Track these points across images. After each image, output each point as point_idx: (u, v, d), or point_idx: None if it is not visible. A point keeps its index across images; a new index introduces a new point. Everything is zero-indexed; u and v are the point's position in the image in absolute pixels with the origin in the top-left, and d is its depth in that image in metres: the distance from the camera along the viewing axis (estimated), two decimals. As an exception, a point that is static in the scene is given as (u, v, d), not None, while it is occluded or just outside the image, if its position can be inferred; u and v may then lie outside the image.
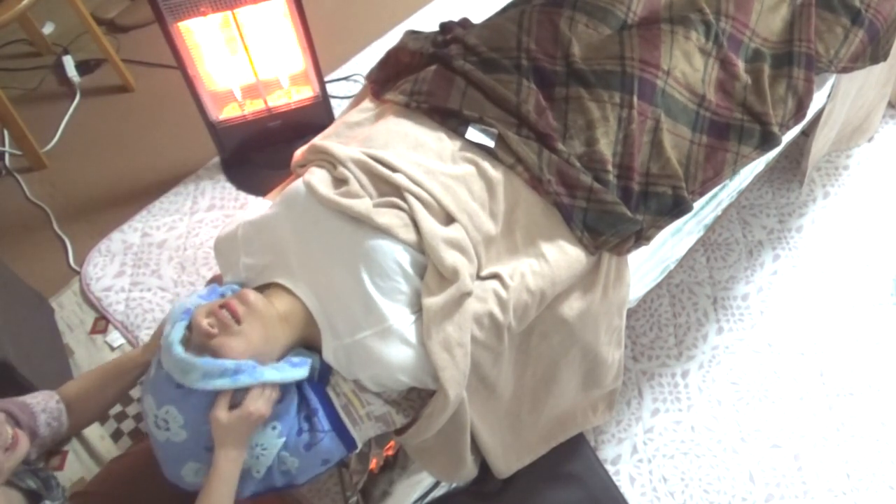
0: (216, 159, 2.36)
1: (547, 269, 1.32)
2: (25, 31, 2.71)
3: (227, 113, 2.17)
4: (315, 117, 2.18)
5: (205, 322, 1.12)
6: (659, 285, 1.83)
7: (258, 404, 1.12)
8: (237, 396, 1.12)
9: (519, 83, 1.49)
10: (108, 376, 1.28)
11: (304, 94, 2.18)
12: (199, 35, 1.97)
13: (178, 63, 1.99)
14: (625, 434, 1.78)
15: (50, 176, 2.39)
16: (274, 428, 1.15)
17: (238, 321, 1.14)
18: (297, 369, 1.18)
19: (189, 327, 1.16)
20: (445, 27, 1.69)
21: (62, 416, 1.20)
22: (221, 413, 1.10)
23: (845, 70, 1.72)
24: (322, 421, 1.19)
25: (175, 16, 1.88)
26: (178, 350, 1.11)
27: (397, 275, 1.24)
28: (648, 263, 1.56)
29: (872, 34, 1.71)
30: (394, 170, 1.33)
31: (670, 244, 1.58)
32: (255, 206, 1.42)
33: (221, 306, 1.14)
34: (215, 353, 1.11)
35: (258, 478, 1.16)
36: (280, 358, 1.21)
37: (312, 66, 2.07)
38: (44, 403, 1.19)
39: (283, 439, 1.16)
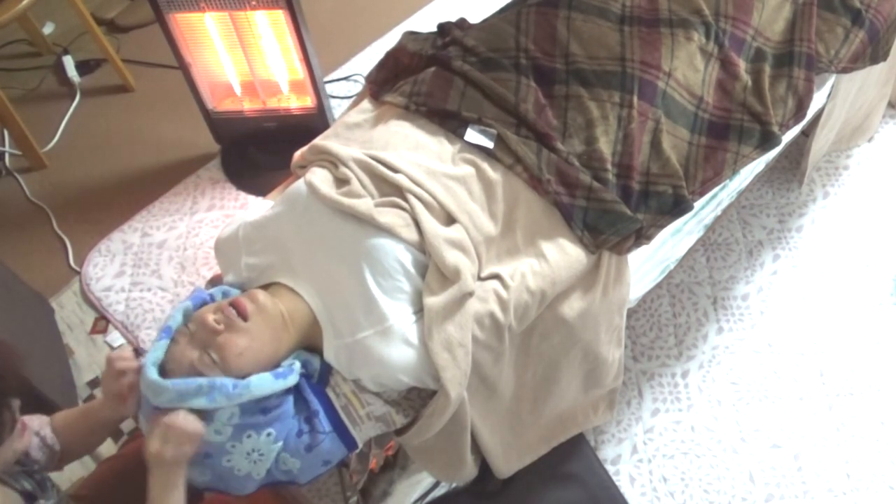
0: (216, 160, 2.36)
1: (547, 269, 1.32)
2: (25, 31, 2.70)
3: (226, 106, 2.17)
4: (312, 126, 2.17)
5: (211, 318, 1.12)
6: (659, 285, 1.82)
7: (157, 445, 1.05)
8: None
9: (518, 81, 1.49)
10: (78, 427, 1.19)
11: (302, 102, 2.18)
12: (197, 29, 1.97)
13: (174, 52, 1.99)
14: (625, 434, 1.78)
15: (50, 176, 2.39)
16: (269, 434, 1.14)
17: (245, 318, 1.13)
18: (279, 381, 1.14)
19: (192, 321, 1.15)
20: (443, 29, 1.69)
21: (55, 446, 1.15)
22: (154, 443, 1.05)
23: (845, 70, 1.72)
24: (323, 422, 1.19)
25: (172, 8, 1.89)
26: (150, 372, 1.10)
27: (399, 273, 1.24)
28: (648, 263, 1.56)
29: (873, 34, 1.72)
30: (395, 170, 1.33)
31: (670, 244, 1.58)
32: (256, 207, 1.42)
33: (230, 304, 1.14)
34: (219, 351, 1.11)
35: (258, 479, 1.16)
36: (285, 358, 1.21)
37: (309, 79, 2.07)
38: (38, 428, 1.14)
39: (280, 444, 1.15)
